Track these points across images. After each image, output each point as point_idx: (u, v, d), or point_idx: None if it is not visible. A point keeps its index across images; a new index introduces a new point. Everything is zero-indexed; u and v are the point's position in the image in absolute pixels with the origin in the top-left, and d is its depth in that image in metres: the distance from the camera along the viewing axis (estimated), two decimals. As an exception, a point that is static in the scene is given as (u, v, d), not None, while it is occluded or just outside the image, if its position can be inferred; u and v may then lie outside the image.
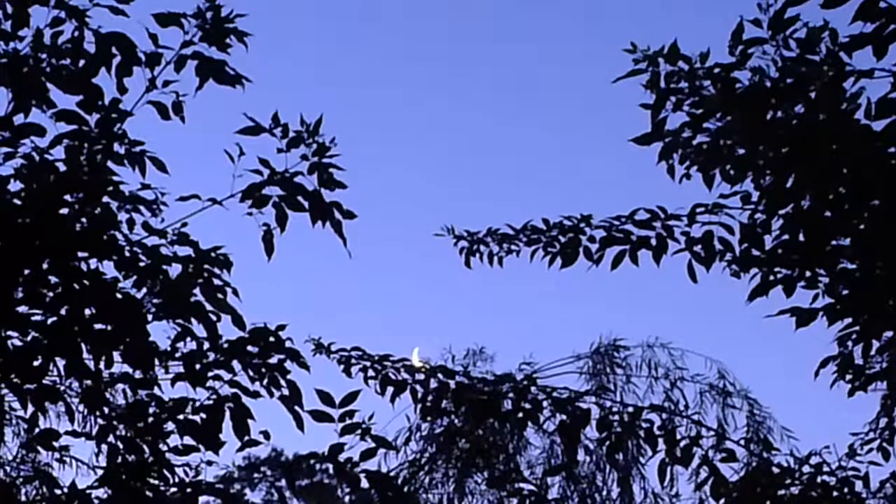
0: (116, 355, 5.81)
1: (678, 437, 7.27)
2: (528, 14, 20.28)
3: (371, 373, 7.82)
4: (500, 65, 21.43)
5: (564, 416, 7.55)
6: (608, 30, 19.12)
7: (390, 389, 7.77)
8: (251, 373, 6.06)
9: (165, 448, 5.99)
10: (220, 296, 6.03)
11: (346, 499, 7.46)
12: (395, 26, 21.40)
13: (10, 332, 5.70)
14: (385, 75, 21.36)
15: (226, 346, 6.06)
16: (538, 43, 20.87)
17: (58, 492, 6.17)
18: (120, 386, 6.12)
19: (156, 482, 5.95)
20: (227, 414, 6.00)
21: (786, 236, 5.99)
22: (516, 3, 20.28)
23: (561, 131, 20.89)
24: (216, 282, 6.03)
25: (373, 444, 6.17)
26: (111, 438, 6.06)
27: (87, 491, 5.98)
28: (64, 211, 5.76)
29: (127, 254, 5.90)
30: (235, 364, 6.06)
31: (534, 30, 20.99)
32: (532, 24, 20.76)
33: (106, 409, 6.10)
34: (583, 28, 20.91)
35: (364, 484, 6.17)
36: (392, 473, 8.60)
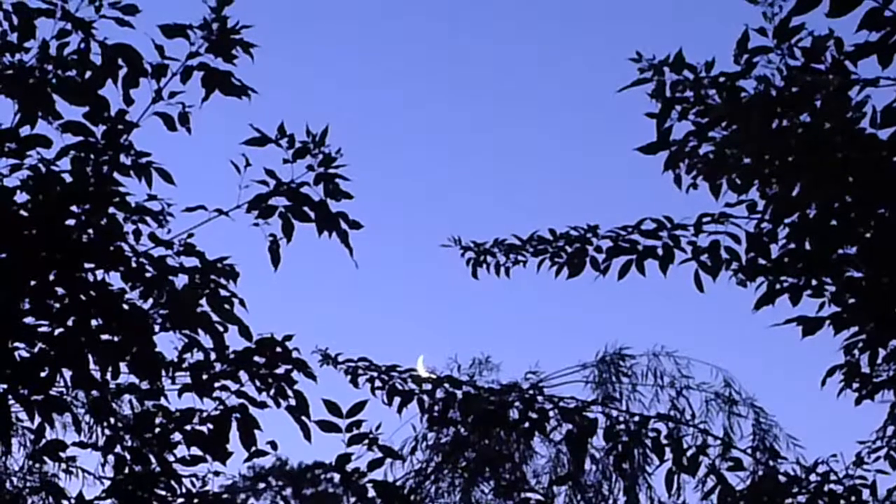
0: (123, 366, 5.81)
1: (685, 445, 7.27)
2: (532, 17, 20.28)
3: (378, 383, 7.83)
4: (505, 70, 21.43)
5: (571, 426, 7.54)
6: (612, 38, 19.11)
7: (397, 399, 7.78)
8: (258, 383, 6.07)
9: (172, 459, 5.99)
10: (226, 306, 6.03)
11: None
12: (397, 28, 21.41)
13: (16, 344, 5.70)
14: (387, 81, 21.36)
15: (232, 356, 6.06)
16: (541, 49, 20.86)
17: (65, 502, 6.18)
18: (127, 397, 6.13)
19: (163, 493, 5.95)
20: (234, 424, 6.01)
21: (792, 245, 5.98)
22: (521, 6, 20.28)
23: (566, 139, 20.88)
24: (223, 292, 6.04)
25: (380, 454, 6.17)
26: (118, 449, 6.06)
27: (94, 502, 5.99)
28: (70, 222, 5.76)
29: (133, 265, 5.90)
30: (242, 374, 6.07)
31: (536, 34, 20.99)
32: (535, 29, 20.76)
33: (113, 420, 6.11)
34: (586, 35, 20.91)
35: (371, 494, 6.17)
36: (399, 483, 8.60)
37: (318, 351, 8.04)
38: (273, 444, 6.06)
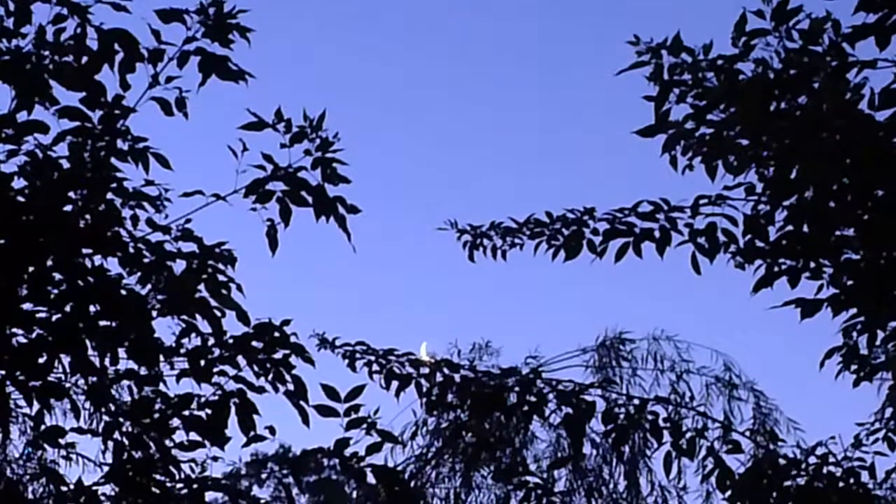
0: (121, 352, 5.81)
1: (684, 429, 7.27)
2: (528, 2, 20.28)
3: (376, 367, 7.82)
4: (503, 49, 21.43)
5: (569, 409, 7.54)
6: (610, 21, 19.10)
7: (395, 384, 7.77)
8: (256, 368, 6.06)
9: (171, 444, 5.99)
10: (224, 291, 6.03)
11: (353, 494, 7.46)
12: (396, 21, 21.38)
13: (15, 330, 5.70)
14: (386, 68, 21.34)
15: (231, 341, 6.06)
16: (538, 31, 20.85)
17: (64, 489, 6.18)
18: (125, 382, 6.12)
19: (162, 478, 5.95)
20: (233, 409, 6.01)
21: (790, 227, 5.99)
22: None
23: (564, 123, 20.88)
24: (220, 277, 6.04)
25: (378, 439, 6.15)
26: (117, 435, 6.06)
27: (94, 488, 5.99)
28: (68, 208, 5.76)
29: (131, 250, 5.91)
30: (240, 359, 6.06)
31: (532, 19, 20.99)
32: (531, 13, 20.76)
33: (111, 406, 6.10)
34: (585, 19, 20.90)
35: (370, 478, 6.16)
36: (398, 468, 8.61)
37: (315, 335, 8.04)
38: (272, 430, 6.06)
